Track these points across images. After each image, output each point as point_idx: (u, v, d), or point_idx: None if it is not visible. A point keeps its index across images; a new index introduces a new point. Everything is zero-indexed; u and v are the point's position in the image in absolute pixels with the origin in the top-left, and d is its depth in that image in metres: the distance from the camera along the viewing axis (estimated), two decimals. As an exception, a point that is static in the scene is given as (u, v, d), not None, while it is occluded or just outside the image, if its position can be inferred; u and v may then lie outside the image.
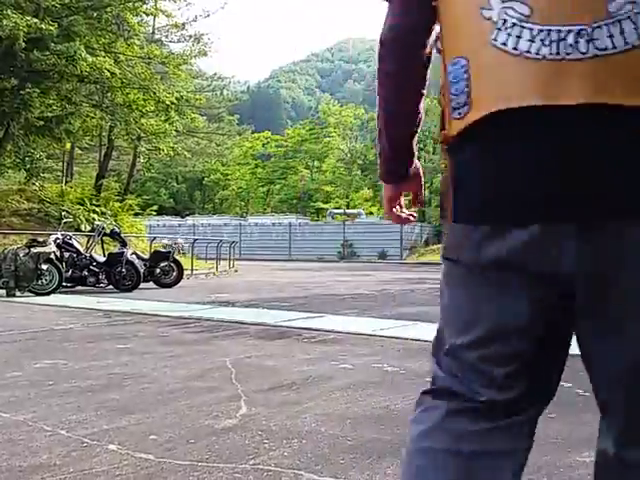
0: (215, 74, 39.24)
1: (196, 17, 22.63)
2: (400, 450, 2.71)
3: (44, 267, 10.51)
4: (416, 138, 1.37)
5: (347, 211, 46.75)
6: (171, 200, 59.44)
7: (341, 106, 63.32)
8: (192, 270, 16.74)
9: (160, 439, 2.85)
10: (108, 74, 16.24)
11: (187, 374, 4.28)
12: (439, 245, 39.53)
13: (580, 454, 2.68)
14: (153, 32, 24.29)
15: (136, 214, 23.85)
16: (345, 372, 4.42)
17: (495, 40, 1.05)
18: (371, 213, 50.07)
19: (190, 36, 23.07)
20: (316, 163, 59.63)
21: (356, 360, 4.86)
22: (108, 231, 12.79)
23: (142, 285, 12.11)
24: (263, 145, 62.75)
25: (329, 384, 4.00)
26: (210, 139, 34.84)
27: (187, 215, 51.51)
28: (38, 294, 10.42)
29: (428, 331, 6.55)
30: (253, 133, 59.18)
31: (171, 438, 2.86)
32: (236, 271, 20.65)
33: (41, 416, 3.20)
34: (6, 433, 2.93)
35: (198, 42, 22.59)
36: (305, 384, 4.01)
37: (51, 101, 18.24)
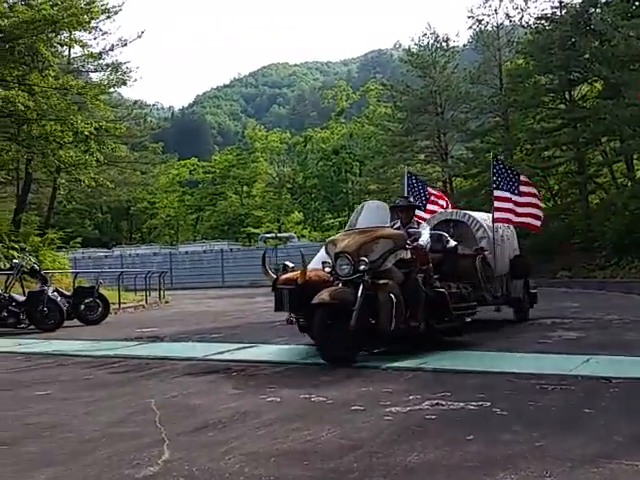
0: (136, 102, 38.64)
1: (113, 46, 22.30)
2: (323, 486, 2.72)
3: (-42, 311, 10.00)
4: None
5: (279, 235, 46.69)
6: (96, 231, 57.54)
7: (267, 131, 63.54)
8: (119, 304, 16.27)
9: (77, 494, 2.75)
10: (22, 107, 15.70)
11: (109, 420, 4.15)
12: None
13: (495, 477, 2.76)
14: (69, 62, 23.72)
15: (59, 248, 23.02)
16: (273, 406, 4.40)
17: None
18: (303, 236, 50.20)
19: (108, 65, 22.73)
20: (245, 188, 59.40)
21: (285, 392, 4.84)
22: (27, 269, 12.28)
23: (66, 323, 11.66)
24: (190, 172, 61.99)
25: (256, 420, 3.97)
26: (134, 168, 34.17)
27: (114, 246, 50.08)
28: (-48, 340, 9.87)
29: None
30: (179, 160, 58.32)
31: (89, 492, 2.77)
32: (167, 302, 20.23)
33: (-51, 479, 3.03)
34: None
35: (116, 71, 22.23)
36: (231, 422, 3.96)
37: (-38, 135, 17.55)
